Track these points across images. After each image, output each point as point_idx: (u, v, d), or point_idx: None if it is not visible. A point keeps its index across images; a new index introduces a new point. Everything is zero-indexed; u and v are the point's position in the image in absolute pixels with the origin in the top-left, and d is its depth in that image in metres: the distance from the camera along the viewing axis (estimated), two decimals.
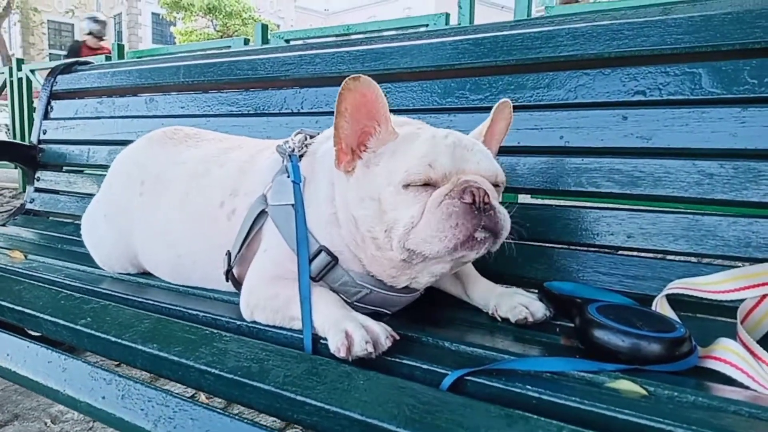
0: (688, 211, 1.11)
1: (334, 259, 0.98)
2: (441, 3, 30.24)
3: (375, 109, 0.92)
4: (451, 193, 0.86)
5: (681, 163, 1.10)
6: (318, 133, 1.15)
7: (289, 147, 1.09)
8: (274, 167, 1.10)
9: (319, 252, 0.99)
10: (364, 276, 1.00)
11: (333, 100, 1.56)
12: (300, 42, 4.18)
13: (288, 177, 1.04)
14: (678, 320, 0.89)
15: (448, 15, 3.54)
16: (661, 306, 0.96)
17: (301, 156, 1.08)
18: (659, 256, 1.13)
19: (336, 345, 0.82)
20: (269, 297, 0.97)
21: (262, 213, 1.06)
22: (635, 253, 1.14)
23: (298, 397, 0.74)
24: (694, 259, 1.11)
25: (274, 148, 1.13)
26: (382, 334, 0.84)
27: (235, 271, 1.10)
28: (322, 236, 1.00)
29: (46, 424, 1.80)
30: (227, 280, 1.11)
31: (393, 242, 0.90)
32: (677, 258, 1.12)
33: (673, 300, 0.97)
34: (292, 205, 1.00)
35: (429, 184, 0.88)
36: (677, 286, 0.97)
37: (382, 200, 0.90)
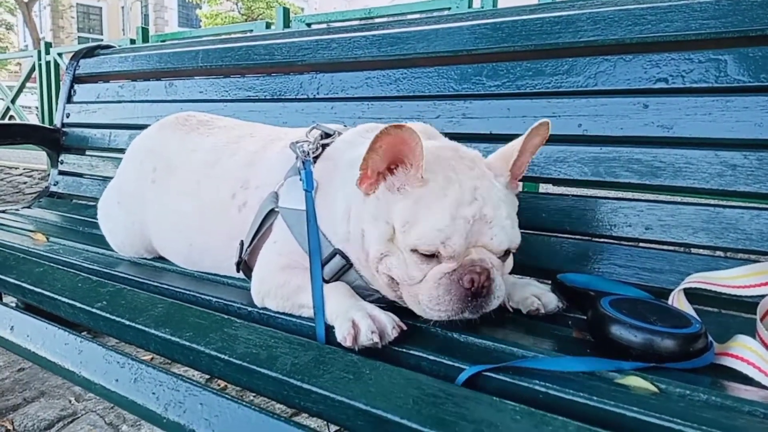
0: (709, 202, 1.08)
1: (348, 263, 0.98)
2: None
3: (411, 152, 0.87)
4: (453, 274, 0.86)
5: (703, 154, 1.06)
6: (334, 132, 1.11)
7: (303, 150, 1.06)
8: (285, 162, 1.09)
9: (333, 255, 0.98)
10: None
11: (349, 86, 1.59)
12: (323, 25, 4.16)
13: (300, 179, 1.02)
14: (695, 315, 0.87)
15: None
16: (678, 300, 0.94)
17: (315, 157, 1.06)
18: (678, 248, 1.10)
19: (342, 334, 0.82)
20: (279, 285, 0.98)
21: (273, 210, 1.05)
22: (653, 246, 1.11)
23: (305, 385, 0.74)
24: (713, 253, 1.08)
25: (285, 141, 1.12)
26: (389, 324, 0.84)
27: (247, 259, 1.10)
28: (337, 241, 0.99)
29: (70, 401, 1.85)
30: (238, 271, 1.11)
31: (380, 267, 0.91)
32: (696, 251, 1.09)
33: (691, 294, 0.94)
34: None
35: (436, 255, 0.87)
36: (695, 280, 0.94)
37: (395, 236, 0.89)
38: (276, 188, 1.07)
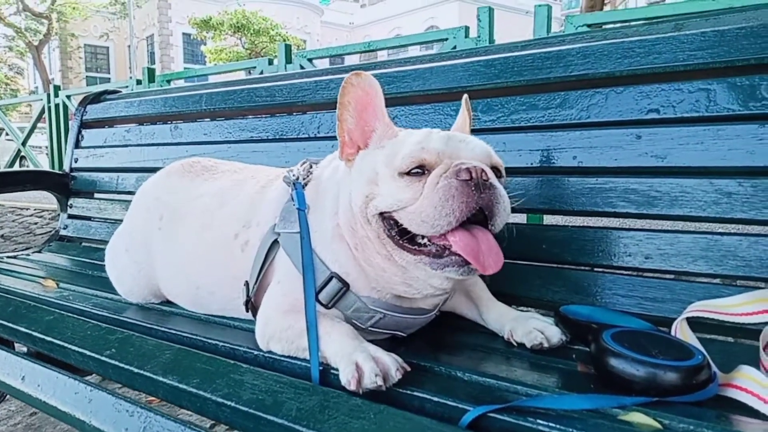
0: (708, 230, 1.08)
1: (345, 286, 1.00)
2: (465, 11, 30.22)
3: (378, 106, 1.00)
4: (446, 174, 0.89)
5: (698, 182, 1.08)
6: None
7: (294, 175, 1.13)
8: (282, 197, 1.12)
9: (330, 279, 1.00)
10: (375, 300, 1.01)
11: None
12: (324, 60, 4.25)
13: (294, 205, 1.06)
14: (698, 345, 0.87)
15: (467, 28, 3.54)
16: (680, 329, 0.94)
17: (306, 184, 1.12)
18: (678, 277, 1.11)
19: (346, 377, 0.82)
20: (283, 328, 0.99)
21: (275, 243, 1.07)
22: (654, 275, 1.12)
23: None
24: (713, 280, 1.08)
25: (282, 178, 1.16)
26: (393, 365, 0.84)
27: (253, 299, 1.12)
28: (330, 260, 1.01)
29: None
30: (247, 311, 1.13)
31: (368, 211, 0.95)
32: (697, 279, 1.09)
33: (694, 322, 0.94)
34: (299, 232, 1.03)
35: (423, 172, 0.91)
36: (697, 309, 0.94)
37: (378, 174, 0.95)
38: (275, 221, 1.10)
